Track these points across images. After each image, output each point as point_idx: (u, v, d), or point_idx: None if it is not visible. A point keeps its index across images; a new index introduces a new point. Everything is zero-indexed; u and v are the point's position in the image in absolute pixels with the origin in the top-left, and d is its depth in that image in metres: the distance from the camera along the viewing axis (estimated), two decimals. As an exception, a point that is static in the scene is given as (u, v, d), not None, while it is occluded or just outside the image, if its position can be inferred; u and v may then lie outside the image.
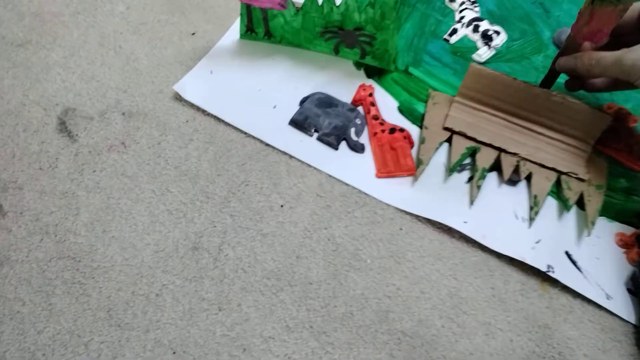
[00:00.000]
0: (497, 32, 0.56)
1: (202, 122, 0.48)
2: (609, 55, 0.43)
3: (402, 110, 0.51)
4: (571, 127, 0.48)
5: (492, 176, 0.48)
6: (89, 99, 0.48)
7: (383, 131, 0.48)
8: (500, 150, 0.48)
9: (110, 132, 0.46)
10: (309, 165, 0.46)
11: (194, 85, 0.49)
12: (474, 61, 0.56)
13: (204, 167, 0.45)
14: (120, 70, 0.50)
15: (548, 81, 0.51)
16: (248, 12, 0.50)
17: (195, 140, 0.47)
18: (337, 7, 0.47)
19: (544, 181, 0.47)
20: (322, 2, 0.47)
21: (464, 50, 0.56)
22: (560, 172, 0.47)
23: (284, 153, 0.47)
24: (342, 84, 0.52)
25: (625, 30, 0.46)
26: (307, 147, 0.47)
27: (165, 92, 0.49)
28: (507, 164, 0.47)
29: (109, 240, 0.41)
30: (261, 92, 0.50)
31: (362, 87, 0.51)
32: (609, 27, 0.44)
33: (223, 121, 0.48)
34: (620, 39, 0.47)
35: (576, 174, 0.47)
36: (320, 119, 0.48)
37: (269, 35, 0.52)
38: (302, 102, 0.50)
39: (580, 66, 0.46)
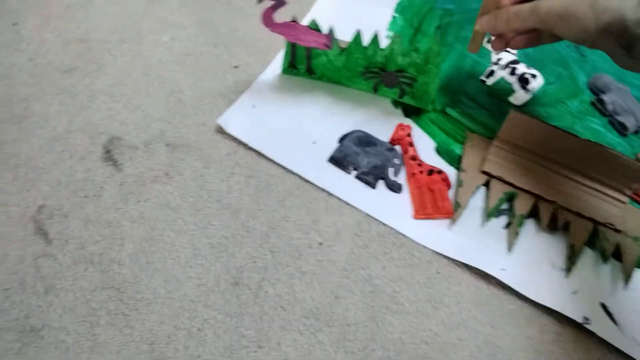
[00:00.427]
0: (534, 76, 0.57)
1: (243, 156, 0.48)
2: (525, 6, 0.44)
3: (439, 151, 0.52)
4: (608, 177, 0.48)
5: (530, 223, 0.48)
6: (134, 129, 0.49)
7: (421, 172, 0.49)
8: (538, 197, 0.48)
9: (155, 162, 0.47)
10: (347, 203, 0.47)
11: (237, 119, 0.50)
12: (510, 104, 0.56)
13: (245, 201, 0.46)
14: (164, 101, 0.51)
15: (474, 45, 0.51)
16: (292, 50, 0.51)
17: (237, 173, 0.47)
18: (382, 50, 0.48)
19: (581, 231, 0.47)
20: (368, 44, 0.48)
21: (501, 92, 0.57)
22: (597, 222, 0.47)
23: (323, 190, 0.47)
24: (380, 121, 0.53)
25: None
26: (345, 185, 0.48)
27: (208, 125, 0.50)
28: (545, 212, 0.48)
29: (152, 272, 0.41)
30: (301, 128, 0.51)
31: (401, 126, 0.52)
32: None
33: (264, 155, 0.49)
34: None
35: (613, 225, 0.47)
36: (359, 157, 0.49)
37: (310, 72, 0.53)
38: (342, 139, 0.51)
39: (499, 22, 0.46)
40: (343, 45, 0.49)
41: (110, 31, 0.56)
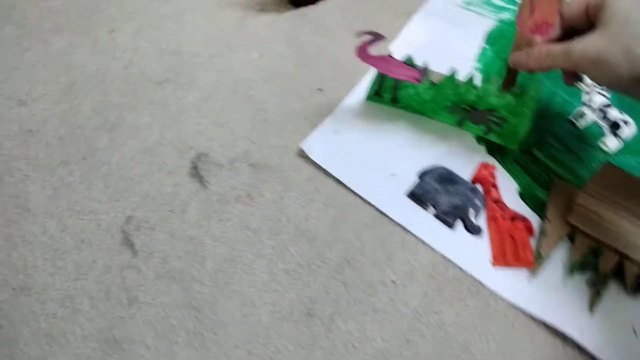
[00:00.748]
0: (626, 122, 0.54)
1: (323, 182, 0.49)
2: (558, 47, 0.43)
3: (522, 195, 0.50)
4: None
5: (614, 281, 0.46)
6: (220, 146, 0.50)
7: (503, 217, 0.47)
8: (624, 255, 0.46)
9: (238, 182, 0.48)
10: (423, 242, 0.46)
11: (319, 145, 0.50)
12: (600, 150, 0.54)
13: (322, 229, 0.46)
14: (250, 120, 0.52)
15: (508, 80, 0.50)
16: (380, 80, 0.51)
17: (316, 200, 0.48)
18: (475, 89, 0.47)
19: (669, 297, 0.44)
20: (462, 83, 0.47)
21: (591, 137, 0.54)
22: (686, 289, 0.45)
23: (399, 225, 0.47)
24: (462, 157, 0.52)
25: (576, 22, 0.45)
26: (422, 222, 0.47)
27: (290, 147, 0.50)
28: (630, 273, 0.45)
29: (230, 294, 0.42)
30: (381, 158, 0.51)
31: (484, 165, 0.51)
32: (553, 17, 0.45)
33: (342, 184, 0.49)
34: (572, 32, 0.46)
35: None
36: (439, 195, 0.48)
37: (394, 101, 0.53)
38: (423, 175, 0.50)
39: (531, 61, 0.46)
40: (435, 80, 0.48)
41: (201, 45, 0.57)
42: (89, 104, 0.52)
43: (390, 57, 0.47)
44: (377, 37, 0.45)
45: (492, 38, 0.61)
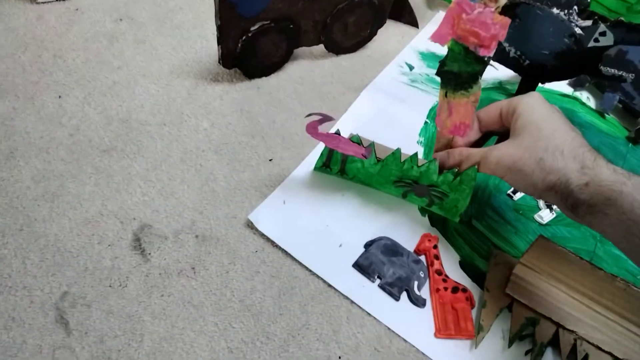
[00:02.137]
0: (559, 195, 0.58)
1: (270, 254, 0.48)
2: (476, 152, 0.47)
3: (463, 266, 0.51)
4: (631, 313, 0.47)
5: (550, 351, 0.47)
6: (165, 217, 0.49)
7: (446, 289, 0.48)
8: (559, 325, 0.47)
9: (182, 254, 0.47)
10: (369, 314, 0.46)
11: (267, 215, 0.50)
12: (535, 222, 0.56)
13: (267, 303, 0.45)
14: (199, 190, 0.52)
15: (439, 169, 0.52)
16: (329, 153, 0.52)
17: (262, 273, 0.47)
18: (418, 167, 0.49)
19: (600, 365, 0.46)
20: (405, 160, 0.49)
21: (526, 209, 0.57)
22: (616, 358, 0.46)
23: (346, 297, 0.47)
24: (406, 228, 0.53)
25: (492, 126, 0.49)
26: (368, 294, 0.47)
27: (238, 218, 0.50)
28: (565, 342, 0.46)
29: (168, 375, 0.40)
30: (329, 228, 0.51)
31: (427, 236, 0.52)
32: (469, 119, 0.48)
33: (290, 255, 0.48)
34: (491, 134, 0.51)
35: (633, 362, 0.46)
36: (384, 267, 0.49)
37: (342, 173, 0.54)
38: (368, 245, 0.50)
39: (452, 162, 0.48)
40: (380, 156, 0.50)
41: (151, 113, 0.57)
42: (30, 173, 0.50)
43: (338, 135, 0.48)
44: (326, 118, 0.46)
45: (434, 113, 0.64)
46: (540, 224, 0.56)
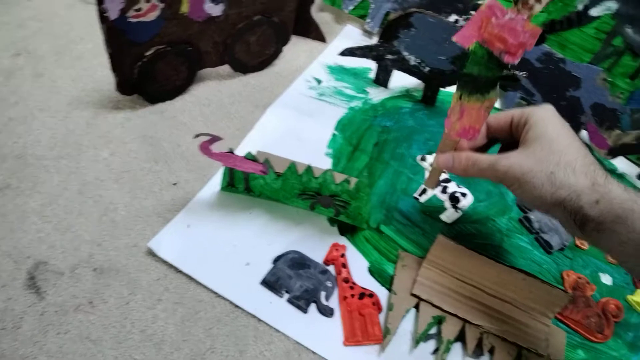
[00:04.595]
0: (464, 194, 0.60)
1: (173, 280, 0.48)
2: (484, 159, 0.46)
3: (372, 271, 0.53)
4: (532, 302, 0.50)
5: (458, 347, 0.49)
6: (61, 252, 0.48)
7: (353, 296, 0.49)
8: (465, 321, 0.49)
9: (79, 289, 0.46)
10: (277, 330, 0.47)
11: (169, 242, 0.50)
12: (441, 222, 0.59)
13: (170, 331, 0.45)
14: (97, 222, 0.51)
15: (432, 180, 0.53)
16: (230, 173, 0.52)
17: (165, 300, 0.47)
18: (316, 178, 0.50)
19: (505, 356, 0.48)
20: (302, 173, 0.50)
21: (433, 210, 0.59)
22: (521, 347, 0.48)
23: (253, 316, 0.47)
24: (315, 240, 0.54)
25: (500, 133, 0.49)
26: (276, 310, 0.48)
27: (139, 246, 0.50)
28: (471, 337, 0.48)
29: (63, 416, 0.39)
30: (235, 248, 0.52)
31: (335, 246, 0.53)
32: (480, 124, 0.46)
33: (195, 279, 0.48)
34: (497, 141, 0.51)
35: (536, 350, 0.48)
36: (292, 280, 0.49)
37: (248, 190, 0.55)
38: (276, 260, 0.51)
39: (457, 166, 0.48)
40: (279, 171, 0.51)
41: (49, 147, 0.57)
42: None
43: (232, 153, 0.49)
44: (214, 138, 0.47)
45: (342, 125, 0.66)
46: (446, 224, 0.58)
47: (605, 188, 0.40)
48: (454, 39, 0.43)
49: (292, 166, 0.49)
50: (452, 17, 0.71)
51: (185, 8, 0.57)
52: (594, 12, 0.67)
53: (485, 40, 0.42)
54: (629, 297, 0.56)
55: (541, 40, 0.58)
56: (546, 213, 0.44)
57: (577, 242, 0.60)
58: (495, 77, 0.44)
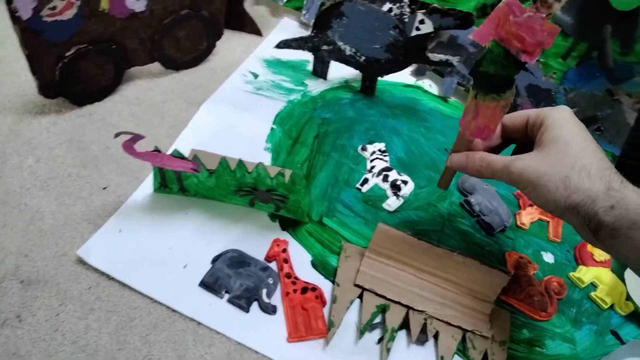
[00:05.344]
0: (405, 182, 0.61)
1: (106, 288, 0.47)
2: (499, 160, 0.45)
3: (315, 264, 0.53)
4: (473, 284, 0.51)
5: (403, 335, 0.49)
6: (-17, 267, 0.46)
7: (295, 291, 0.49)
8: (408, 307, 0.50)
9: (5, 303, 0.44)
10: (218, 332, 0.46)
11: (100, 249, 0.49)
12: (384, 210, 0.59)
13: (104, 340, 0.44)
14: (23, 232, 0.49)
15: (445, 180, 0.53)
16: (161, 173, 0.51)
17: (97, 309, 0.45)
18: (250, 173, 0.49)
19: (449, 340, 0.49)
20: (234, 168, 0.49)
21: (375, 199, 0.60)
22: (465, 330, 0.49)
23: (192, 319, 0.46)
24: (256, 237, 0.53)
25: (515, 134, 0.49)
26: (216, 311, 0.47)
27: (69, 255, 0.48)
28: (415, 323, 0.49)
29: None
30: (171, 251, 0.51)
31: (277, 242, 0.53)
32: (495, 124, 0.46)
33: (129, 286, 0.47)
34: (511, 142, 0.50)
35: (480, 332, 0.49)
36: (231, 280, 0.49)
37: (183, 190, 0.54)
38: (214, 260, 0.50)
39: (470, 166, 0.47)
40: (211, 168, 0.50)
41: (-32, 156, 0.54)
42: None
43: (158, 151, 0.48)
44: (136, 136, 0.46)
45: (281, 119, 0.66)
46: (389, 212, 0.59)
47: (620, 193, 0.40)
48: (471, 36, 0.43)
49: (223, 161, 0.49)
50: (386, 6, 0.71)
51: (105, 4, 0.56)
52: (523, -5, 0.69)
53: (502, 39, 0.42)
54: (571, 274, 0.58)
55: (469, 24, 0.59)
56: (560, 217, 0.44)
57: (518, 223, 0.61)
58: (512, 77, 0.44)
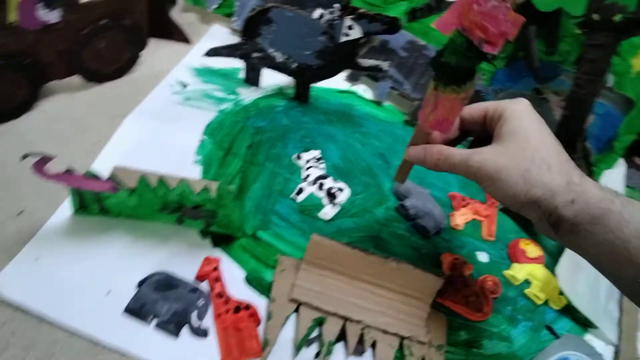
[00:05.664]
0: (341, 189, 0.60)
1: (22, 323, 0.44)
2: (457, 154, 0.44)
3: (249, 280, 0.51)
4: (408, 289, 0.51)
5: (340, 347, 0.48)
6: None
7: (227, 311, 0.48)
8: (345, 318, 0.49)
9: None
10: (147, 360, 0.44)
11: (15, 279, 0.46)
12: (320, 219, 0.58)
13: (20, 380, 0.41)
14: None
15: (401, 173, 0.52)
16: (79, 193, 0.49)
17: (12, 345, 0.42)
18: (173, 190, 0.47)
19: (387, 349, 0.48)
20: (156, 186, 0.47)
21: (311, 209, 0.59)
22: (402, 337, 0.49)
23: (117, 350, 0.44)
24: (186, 257, 0.51)
25: (473, 127, 0.48)
26: (143, 339, 0.45)
27: (-22, 290, 0.45)
28: (352, 334, 0.48)
29: None
30: (94, 277, 0.48)
31: (207, 260, 0.51)
32: (454, 116, 0.45)
33: (47, 318, 0.44)
34: (469, 135, 0.50)
35: (417, 338, 0.49)
36: (158, 304, 0.47)
37: (104, 211, 0.51)
38: (140, 284, 0.48)
39: (428, 159, 0.46)
40: (133, 186, 0.48)
41: None
42: None
43: (70, 172, 0.45)
44: (45, 157, 0.43)
45: (212, 129, 0.64)
46: (325, 221, 0.58)
47: (581, 187, 0.40)
48: (433, 25, 0.41)
49: (143, 179, 0.46)
50: (318, 11, 0.71)
51: (13, 16, 0.52)
52: (450, -3, 0.70)
53: (465, 28, 0.40)
54: (506, 272, 0.59)
55: (396, 29, 0.59)
56: (519, 212, 0.43)
57: (452, 224, 0.62)
58: (473, 68, 0.43)
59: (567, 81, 0.68)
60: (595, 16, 0.62)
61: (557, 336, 0.55)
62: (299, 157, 0.63)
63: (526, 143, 0.41)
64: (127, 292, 0.47)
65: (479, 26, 0.40)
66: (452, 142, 0.50)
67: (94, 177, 0.46)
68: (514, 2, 0.39)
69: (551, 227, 0.41)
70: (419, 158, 0.47)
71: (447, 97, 0.44)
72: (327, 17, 0.71)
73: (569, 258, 0.59)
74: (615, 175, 0.69)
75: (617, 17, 0.61)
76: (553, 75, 0.71)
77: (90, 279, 0.48)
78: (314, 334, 0.49)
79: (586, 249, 0.41)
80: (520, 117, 0.43)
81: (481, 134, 0.48)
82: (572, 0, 0.64)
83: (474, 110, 0.47)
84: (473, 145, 0.49)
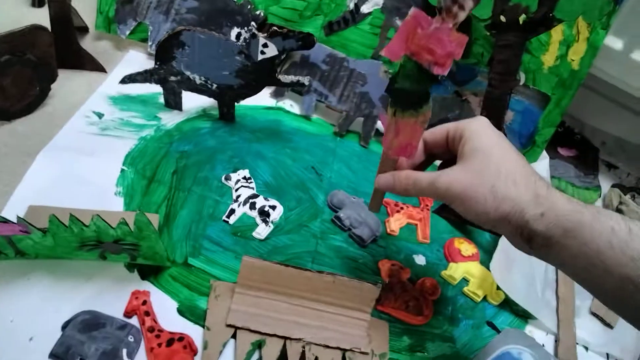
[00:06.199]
0: (273, 207, 0.60)
1: None
2: (424, 177, 0.45)
3: (182, 311, 0.50)
4: (346, 301, 0.51)
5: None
6: None
7: (160, 345, 0.46)
8: (285, 338, 0.49)
9: None
10: (74, 407, 0.42)
11: None
12: (255, 239, 0.58)
13: None
14: None
15: (375, 203, 0.52)
16: (-14, 240, 0.46)
17: None
18: (87, 227, 0.46)
19: (330, 364, 0.49)
20: (69, 224, 0.45)
21: (245, 229, 0.59)
22: (344, 350, 0.50)
23: (42, 399, 0.42)
24: (112, 293, 0.50)
25: (437, 149, 0.49)
26: (71, 385, 0.43)
27: None
28: (293, 353, 0.48)
29: None
30: (14, 324, 0.45)
31: (135, 294, 0.49)
32: (416, 140, 0.47)
33: (-40, 376, 0.42)
34: (435, 157, 0.51)
35: (359, 349, 0.50)
36: (85, 346, 0.45)
37: (21, 254, 0.49)
38: (64, 326, 0.46)
39: (398, 185, 0.47)
40: (45, 227, 0.46)
41: None
42: None
43: (-25, 217, 0.43)
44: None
45: (132, 158, 0.62)
46: (260, 240, 0.58)
47: (548, 201, 0.40)
48: (382, 53, 0.42)
49: (54, 219, 0.44)
50: (235, 30, 0.71)
51: None
52: (365, 8, 0.73)
53: (413, 53, 0.42)
54: (443, 273, 0.61)
55: (311, 44, 0.61)
56: (492, 229, 0.44)
57: (388, 230, 0.63)
58: (427, 90, 0.44)
59: (484, 82, 0.71)
60: (502, 18, 0.66)
61: (498, 331, 0.57)
62: (227, 178, 0.63)
63: (488, 160, 0.42)
64: (52, 336, 0.45)
65: (426, 49, 0.41)
66: (419, 167, 0.51)
67: (2, 221, 0.44)
68: (455, 23, 0.40)
69: (525, 242, 0.41)
70: (389, 185, 0.48)
71: (406, 122, 0.46)
72: (245, 35, 0.72)
73: (502, 252, 0.61)
74: (539, 168, 0.72)
75: (522, 18, 0.65)
76: (470, 77, 0.75)
77: (10, 326, 0.45)
78: (254, 357, 0.48)
79: (562, 263, 0.41)
80: (480, 134, 0.44)
81: (446, 155, 0.49)
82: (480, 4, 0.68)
83: (436, 132, 0.49)
84: (441, 168, 0.51)
